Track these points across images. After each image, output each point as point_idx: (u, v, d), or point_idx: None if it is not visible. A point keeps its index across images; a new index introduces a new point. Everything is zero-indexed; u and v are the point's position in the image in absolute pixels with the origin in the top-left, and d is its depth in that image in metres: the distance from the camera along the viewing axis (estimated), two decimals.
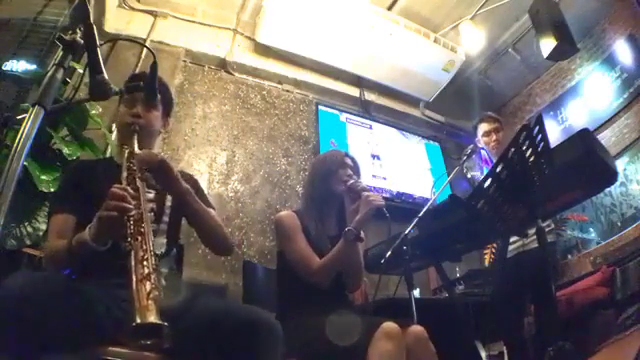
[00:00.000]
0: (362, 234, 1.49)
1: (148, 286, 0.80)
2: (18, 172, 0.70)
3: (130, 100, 1.30)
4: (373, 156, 3.63)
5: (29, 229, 1.76)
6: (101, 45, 0.89)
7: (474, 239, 1.81)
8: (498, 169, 1.34)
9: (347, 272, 1.56)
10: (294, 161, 3.39)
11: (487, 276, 2.60)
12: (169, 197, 1.26)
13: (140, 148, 1.21)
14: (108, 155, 2.25)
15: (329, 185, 1.63)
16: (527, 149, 1.30)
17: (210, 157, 3.08)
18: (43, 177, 1.79)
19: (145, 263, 0.86)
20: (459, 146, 4.01)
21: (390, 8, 3.49)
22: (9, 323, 0.75)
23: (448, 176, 2.71)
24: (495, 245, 2.46)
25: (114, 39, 2.86)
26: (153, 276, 0.84)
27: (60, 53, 0.84)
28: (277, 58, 3.57)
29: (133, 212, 0.96)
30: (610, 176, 1.57)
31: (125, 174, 1.10)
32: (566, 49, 2.91)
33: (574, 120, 3.56)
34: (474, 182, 2.44)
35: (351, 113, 3.77)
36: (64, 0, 2.75)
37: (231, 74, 3.43)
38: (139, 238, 0.91)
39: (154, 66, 1.05)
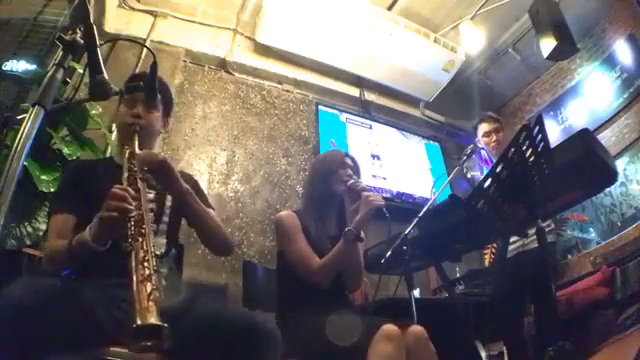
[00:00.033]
0: (362, 234, 1.49)
1: (149, 287, 0.80)
2: (18, 172, 0.70)
3: (131, 100, 1.30)
4: (373, 156, 3.63)
5: (29, 229, 1.76)
6: (101, 45, 0.89)
7: (474, 239, 1.81)
8: (498, 169, 1.34)
9: (347, 272, 1.56)
10: (294, 161, 3.39)
11: (487, 276, 2.60)
12: (169, 197, 1.25)
13: (140, 148, 1.21)
14: (108, 155, 2.25)
15: (329, 185, 1.63)
16: (527, 149, 1.30)
17: (210, 157, 3.08)
18: (43, 177, 1.79)
19: (146, 264, 0.86)
20: (459, 146, 4.01)
21: (390, 8, 3.49)
22: (9, 333, 0.76)
23: (448, 176, 2.71)
24: (495, 245, 2.46)
25: (114, 39, 2.86)
26: (154, 277, 0.84)
27: (60, 53, 0.84)
28: (277, 58, 3.57)
29: (134, 213, 0.96)
30: (610, 176, 1.57)
31: (126, 174, 1.10)
32: (566, 49, 2.91)
33: (574, 120, 3.56)
34: (474, 182, 2.44)
35: (351, 113, 3.77)
36: (64, 0, 2.75)
37: (231, 74, 3.43)
38: (140, 239, 0.91)
39: (154, 66, 1.05)
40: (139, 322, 0.74)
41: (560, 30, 2.86)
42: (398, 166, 3.70)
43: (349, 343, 1.21)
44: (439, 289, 2.90)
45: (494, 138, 2.46)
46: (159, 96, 1.22)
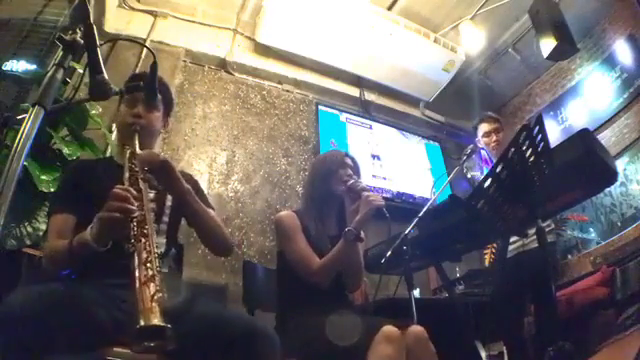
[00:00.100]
0: (362, 234, 1.49)
1: (152, 288, 0.80)
2: (18, 172, 0.70)
3: (131, 100, 1.30)
4: (373, 156, 3.63)
5: (29, 229, 1.76)
6: (101, 45, 0.89)
7: (474, 239, 1.81)
8: (498, 169, 1.34)
9: (347, 272, 1.56)
10: (294, 161, 3.39)
11: (487, 276, 2.60)
12: (169, 197, 1.25)
13: (141, 148, 1.21)
14: (108, 155, 2.25)
15: (329, 185, 1.63)
16: (527, 149, 1.30)
17: (210, 157, 3.08)
18: (43, 177, 1.79)
19: (149, 265, 0.86)
20: (459, 146, 4.01)
21: (390, 8, 3.49)
22: (12, 341, 0.76)
23: (448, 176, 2.71)
24: (495, 245, 2.46)
25: (114, 39, 2.86)
26: (157, 278, 0.84)
27: (60, 53, 0.84)
28: (277, 58, 3.57)
29: (136, 213, 0.95)
30: (610, 176, 1.57)
31: (127, 174, 1.10)
32: (566, 49, 2.91)
33: (574, 120, 3.56)
34: (474, 182, 2.44)
35: (351, 113, 3.77)
36: (64, 0, 2.75)
37: (231, 74, 3.43)
38: (142, 240, 0.91)
39: (154, 66, 1.05)
40: (142, 323, 0.74)
41: (560, 30, 2.86)
42: (398, 166, 3.70)
43: (349, 343, 1.20)
44: (439, 289, 2.90)
45: (494, 138, 2.46)
46: (159, 96, 1.23)
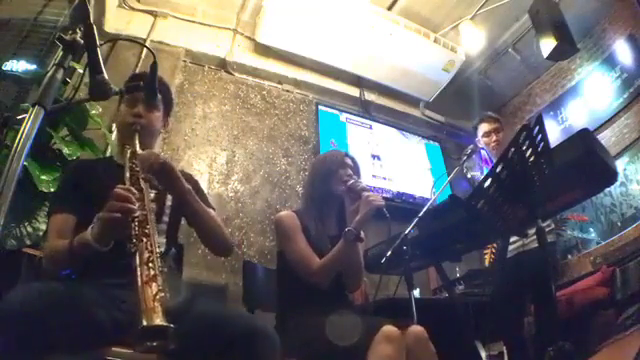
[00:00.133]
0: (362, 234, 1.49)
1: (154, 288, 0.80)
2: (18, 172, 0.70)
3: (131, 100, 1.30)
4: (373, 156, 3.63)
5: (29, 229, 1.76)
6: (101, 45, 0.89)
7: (474, 239, 1.81)
8: (498, 169, 1.34)
9: (347, 272, 1.56)
10: (294, 161, 3.39)
11: (487, 276, 2.60)
12: (169, 197, 1.25)
13: (141, 148, 1.21)
14: (108, 155, 2.25)
15: (329, 185, 1.63)
16: (527, 149, 1.30)
17: (210, 157, 3.08)
18: (43, 177, 1.79)
19: (151, 265, 0.86)
20: (459, 146, 4.01)
21: (390, 8, 3.49)
22: (12, 339, 0.76)
23: (448, 176, 2.71)
24: (495, 245, 2.46)
25: (114, 39, 2.86)
26: (159, 278, 0.84)
27: (60, 53, 0.84)
28: (277, 58, 3.57)
29: (137, 213, 0.96)
30: (610, 176, 1.57)
31: (128, 174, 1.10)
32: (566, 49, 2.91)
33: (574, 120, 3.56)
34: (474, 182, 2.44)
35: (351, 113, 3.77)
36: (64, 0, 2.75)
37: (231, 74, 3.43)
38: (144, 239, 0.91)
39: (154, 66, 1.05)
40: (145, 323, 0.74)
41: (560, 30, 2.86)
42: (398, 166, 3.70)
43: (349, 343, 1.20)
44: (439, 289, 2.90)
45: (494, 138, 2.46)
46: (159, 96, 1.23)
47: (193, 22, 3.38)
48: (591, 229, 3.22)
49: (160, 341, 0.74)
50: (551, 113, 3.76)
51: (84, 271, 1.05)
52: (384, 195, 3.29)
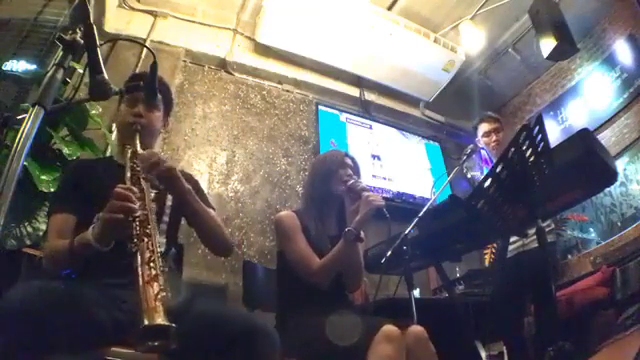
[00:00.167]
0: (362, 234, 1.49)
1: (156, 287, 0.81)
2: (18, 172, 0.70)
3: (132, 100, 1.30)
4: (373, 156, 3.63)
5: (29, 229, 1.76)
6: (101, 45, 0.89)
7: (474, 239, 1.81)
8: (498, 169, 1.34)
9: (347, 272, 1.56)
10: (294, 161, 3.39)
11: (487, 276, 2.60)
12: (169, 197, 1.25)
13: (142, 148, 1.21)
14: (108, 155, 2.25)
15: (329, 185, 1.63)
16: (527, 149, 1.30)
17: (210, 157, 3.08)
18: (43, 177, 1.79)
19: (152, 264, 0.86)
20: (459, 146, 4.00)
21: (390, 8, 3.49)
22: (12, 336, 0.76)
23: (448, 176, 2.71)
24: (495, 245, 2.46)
25: (114, 39, 2.86)
26: (160, 277, 0.84)
27: (60, 53, 0.84)
28: (277, 58, 3.57)
29: (138, 213, 0.96)
30: (610, 176, 1.57)
31: (129, 174, 1.10)
32: (566, 49, 2.91)
33: (574, 120, 3.56)
34: (474, 182, 2.44)
35: (351, 113, 3.77)
36: (64, 0, 2.75)
37: (231, 74, 3.43)
38: (145, 239, 0.91)
39: (154, 66, 1.05)
40: (147, 322, 0.74)
41: (560, 30, 2.86)
42: (398, 166, 3.70)
43: (349, 343, 1.20)
44: (439, 289, 2.90)
45: (494, 138, 2.46)
46: (159, 96, 1.23)
47: (193, 22, 3.38)
48: (591, 229, 3.22)
49: (162, 341, 0.74)
50: (551, 113, 3.76)
51: (84, 271, 1.05)
52: (384, 195, 3.29)
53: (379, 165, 3.61)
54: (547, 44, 2.89)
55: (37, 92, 0.79)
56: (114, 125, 2.33)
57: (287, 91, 3.64)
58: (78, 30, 0.86)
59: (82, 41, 0.86)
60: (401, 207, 3.36)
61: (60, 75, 0.82)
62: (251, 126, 3.34)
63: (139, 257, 0.88)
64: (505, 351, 2.27)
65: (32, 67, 2.29)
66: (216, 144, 3.14)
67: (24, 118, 0.75)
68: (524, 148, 1.30)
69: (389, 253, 1.56)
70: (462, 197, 1.65)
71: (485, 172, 2.16)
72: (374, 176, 3.51)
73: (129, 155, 1.16)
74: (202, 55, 3.34)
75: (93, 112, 2.15)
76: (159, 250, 0.92)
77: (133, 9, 3.19)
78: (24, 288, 0.85)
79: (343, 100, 3.85)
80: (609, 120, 3.30)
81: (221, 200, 2.94)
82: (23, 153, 0.71)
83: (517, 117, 4.16)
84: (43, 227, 1.76)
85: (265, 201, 3.12)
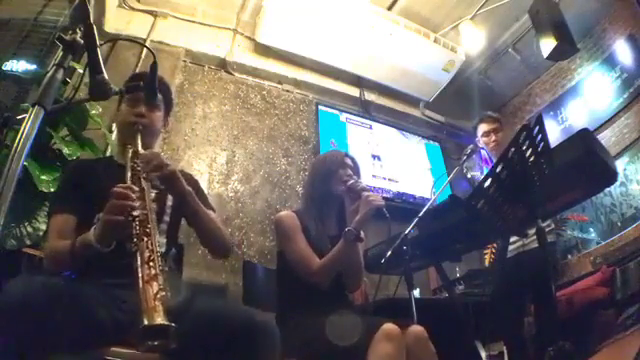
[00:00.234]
0: (362, 234, 1.49)
1: (155, 287, 0.81)
2: (18, 172, 0.70)
3: (133, 100, 1.30)
4: (373, 156, 3.63)
5: (29, 229, 1.76)
6: (101, 45, 0.89)
7: (474, 239, 1.81)
8: (498, 169, 1.34)
9: (347, 272, 1.56)
10: (294, 161, 3.39)
11: (487, 276, 2.60)
12: (170, 197, 1.25)
13: (143, 148, 1.21)
14: (108, 155, 2.25)
15: (329, 185, 1.63)
16: (527, 149, 1.30)
17: (210, 157, 3.08)
18: (43, 177, 1.79)
19: (152, 264, 0.86)
20: (459, 146, 4.00)
21: (390, 8, 3.49)
22: (11, 327, 0.75)
23: (448, 176, 2.71)
24: (495, 245, 2.46)
25: (114, 39, 2.86)
26: (160, 277, 0.84)
27: (60, 53, 0.84)
28: (277, 58, 3.57)
29: (138, 212, 0.96)
30: (610, 176, 1.57)
31: (129, 174, 1.10)
32: (566, 49, 2.91)
33: (574, 120, 3.56)
34: (474, 182, 2.44)
35: (351, 113, 3.77)
36: (64, 0, 2.75)
37: (231, 74, 3.43)
38: (145, 239, 0.91)
39: (154, 66, 1.05)
40: (146, 322, 0.74)
41: (560, 30, 2.86)
42: (398, 166, 3.70)
43: (349, 343, 1.20)
44: (439, 289, 2.90)
45: (493, 138, 2.45)
46: (160, 96, 1.23)
47: (193, 22, 3.37)
48: (591, 229, 3.22)
49: (161, 340, 0.74)
50: (551, 113, 3.76)
51: (85, 271, 1.05)
52: (384, 195, 3.29)
53: (379, 165, 3.61)
54: (547, 44, 2.89)
55: (37, 92, 0.79)
56: (114, 125, 2.33)
57: (287, 91, 3.64)
58: (78, 30, 0.86)
59: (82, 41, 0.86)
60: (401, 207, 3.36)
61: (60, 75, 0.82)
62: (251, 126, 3.34)
63: (139, 257, 0.88)
64: (505, 351, 2.27)
65: (32, 67, 2.29)
66: (216, 144, 3.14)
67: (24, 118, 0.75)
68: (524, 148, 1.30)
69: (389, 253, 1.56)
70: (462, 197, 1.65)
71: (485, 172, 2.16)
72: (374, 176, 3.51)
73: (130, 155, 1.16)
74: (202, 55, 3.33)
75: (93, 112, 2.15)
76: (159, 250, 0.92)
77: (133, 9, 3.19)
78: (24, 282, 0.84)
79: (343, 100, 3.85)
80: (609, 120, 3.30)
81: (221, 200, 2.94)
82: (23, 153, 0.71)
83: (517, 117, 4.16)
84: (43, 227, 1.76)
85: (265, 201, 3.12)
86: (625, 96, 3.21)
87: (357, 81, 3.87)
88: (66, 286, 0.89)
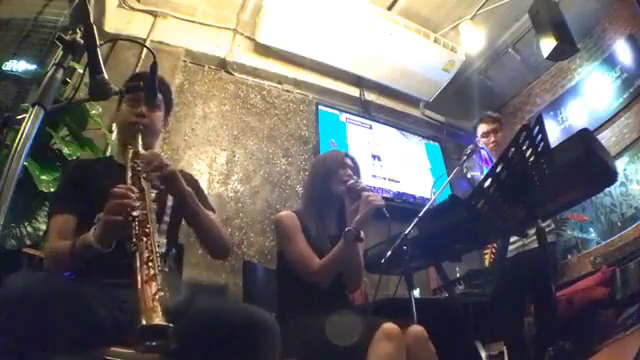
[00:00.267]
0: (362, 234, 1.49)
1: (154, 287, 0.80)
2: (18, 172, 0.70)
3: (133, 99, 1.30)
4: (373, 156, 3.63)
5: (29, 229, 1.76)
6: (101, 45, 0.89)
7: (474, 239, 1.81)
8: (498, 169, 1.34)
9: (347, 272, 1.56)
10: (294, 161, 3.39)
11: (487, 276, 2.60)
12: (170, 197, 1.25)
13: (143, 148, 1.21)
14: (108, 155, 2.25)
15: (329, 185, 1.63)
16: (527, 149, 1.30)
17: (210, 157, 3.08)
18: (43, 177, 1.79)
19: (150, 264, 0.86)
20: (459, 146, 4.01)
21: (390, 8, 3.49)
22: (10, 323, 0.75)
23: (448, 176, 2.71)
24: (495, 245, 2.46)
25: (114, 39, 2.86)
26: (159, 277, 0.84)
27: (60, 53, 0.84)
28: (277, 58, 3.57)
29: (138, 213, 0.96)
30: (610, 176, 1.57)
31: (130, 174, 1.10)
32: (566, 49, 2.91)
33: (574, 120, 3.56)
34: (474, 182, 2.44)
35: (351, 113, 3.77)
36: (64, 0, 2.75)
37: (231, 74, 3.43)
38: (144, 239, 0.91)
39: (154, 66, 1.05)
40: (144, 322, 0.74)
41: (560, 30, 2.86)
42: (398, 166, 3.70)
43: (349, 343, 1.20)
44: (439, 289, 2.90)
45: (492, 139, 2.46)
46: (160, 96, 1.23)
47: (193, 22, 3.38)
48: (591, 229, 3.22)
49: (160, 340, 0.74)
50: (551, 113, 3.76)
51: (85, 271, 1.05)
52: (384, 195, 3.29)
53: (379, 165, 3.61)
54: (547, 44, 2.89)
55: (37, 92, 0.79)
56: (114, 125, 2.33)
57: (287, 91, 3.64)
58: (78, 30, 0.86)
59: (82, 41, 0.86)
60: (401, 207, 3.36)
61: (60, 75, 0.82)
62: (251, 126, 3.34)
63: (138, 257, 0.88)
64: (505, 351, 2.27)
65: (32, 67, 2.29)
66: (216, 144, 3.14)
67: (24, 118, 0.75)
68: (524, 148, 1.30)
69: (389, 253, 1.56)
70: (462, 197, 1.65)
71: (485, 172, 2.16)
72: (374, 176, 3.51)
73: (130, 155, 1.16)
74: (202, 55, 3.34)
75: (93, 112, 2.15)
76: (159, 250, 0.92)
77: (133, 9, 3.19)
78: (24, 276, 0.84)
79: (343, 100, 3.85)
80: (609, 120, 3.30)
81: (221, 200, 2.94)
82: (23, 153, 0.71)
83: (517, 117, 4.16)
84: (43, 227, 1.76)
85: (265, 201, 3.12)
86: (625, 96, 3.21)
87: (357, 81, 3.87)
88: (66, 284, 0.89)
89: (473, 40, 3.54)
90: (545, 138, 1.32)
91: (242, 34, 3.51)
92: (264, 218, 3.03)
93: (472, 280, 2.68)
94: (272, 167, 3.27)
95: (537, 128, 1.30)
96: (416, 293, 1.93)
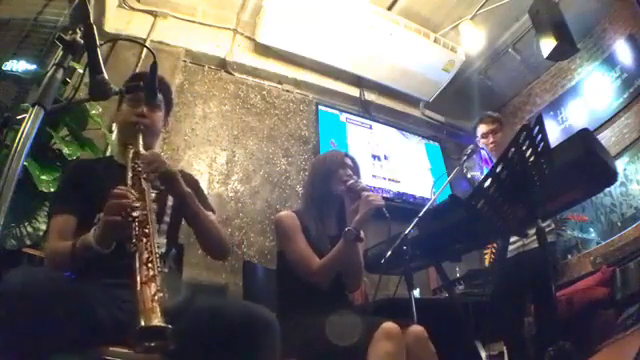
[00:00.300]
0: (362, 234, 1.49)
1: (153, 288, 0.80)
2: (18, 172, 0.70)
3: (133, 100, 1.29)
4: (373, 156, 3.63)
5: (29, 229, 1.76)
6: (101, 45, 0.89)
7: (474, 239, 1.81)
8: (498, 169, 1.34)
9: (347, 272, 1.56)
10: (294, 161, 3.39)
11: (487, 276, 2.61)
12: (170, 197, 1.25)
13: (144, 148, 1.21)
14: (108, 155, 2.25)
15: (329, 185, 1.63)
16: (527, 149, 1.30)
17: (210, 157, 3.08)
18: (43, 177, 1.79)
19: (150, 265, 0.86)
20: (459, 146, 4.01)
21: (390, 8, 3.49)
22: (9, 318, 0.75)
23: (448, 176, 2.71)
24: (495, 245, 2.46)
25: (114, 39, 2.86)
26: (158, 278, 0.83)
27: (60, 53, 0.84)
28: (277, 58, 3.57)
29: (138, 213, 0.96)
30: (610, 176, 1.57)
31: (130, 174, 1.10)
32: (566, 49, 2.91)
33: (574, 120, 3.56)
34: (474, 182, 2.44)
35: (351, 113, 3.77)
36: (64, 0, 2.75)
37: (231, 74, 3.43)
38: (144, 239, 0.91)
39: (154, 66, 1.05)
40: (143, 323, 0.74)
41: (560, 30, 2.86)
42: (398, 166, 3.70)
43: (349, 343, 1.20)
44: (439, 289, 2.90)
45: (491, 139, 2.45)
46: (160, 96, 1.23)
47: (193, 22, 3.37)
48: (591, 229, 3.22)
49: (159, 341, 0.74)
50: (551, 113, 3.76)
51: (85, 271, 1.05)
52: (384, 195, 3.29)
53: (379, 165, 3.61)
54: (547, 44, 2.89)
55: (37, 92, 0.79)
56: (114, 125, 2.33)
57: (287, 91, 3.64)
58: (78, 30, 0.86)
59: (82, 41, 0.86)
60: (401, 207, 3.36)
61: (60, 75, 0.82)
62: (251, 126, 3.34)
63: (137, 257, 0.88)
64: (505, 351, 2.27)
65: (32, 67, 2.29)
66: (216, 144, 3.14)
67: (24, 118, 0.75)
68: (524, 148, 1.30)
69: (389, 253, 1.56)
70: (462, 197, 1.65)
71: (485, 172, 2.16)
72: (374, 176, 3.51)
73: (131, 155, 1.16)
74: (202, 55, 3.33)
75: (93, 112, 2.15)
76: (159, 251, 0.92)
77: (133, 9, 3.19)
78: (24, 272, 0.84)
79: (343, 100, 3.85)
80: (609, 120, 3.30)
81: (221, 200, 2.94)
82: (23, 153, 0.71)
83: (517, 117, 4.16)
84: (43, 227, 1.76)
85: (265, 201, 3.12)
86: (625, 96, 3.21)
87: (357, 81, 3.87)
88: (66, 282, 0.89)
89: (473, 40, 3.54)
90: (545, 138, 1.32)
91: (242, 34, 3.51)
92: (264, 218, 3.03)
93: (472, 280, 2.68)
94: (272, 167, 3.27)
95: (537, 128, 1.30)
96: (416, 293, 1.93)
